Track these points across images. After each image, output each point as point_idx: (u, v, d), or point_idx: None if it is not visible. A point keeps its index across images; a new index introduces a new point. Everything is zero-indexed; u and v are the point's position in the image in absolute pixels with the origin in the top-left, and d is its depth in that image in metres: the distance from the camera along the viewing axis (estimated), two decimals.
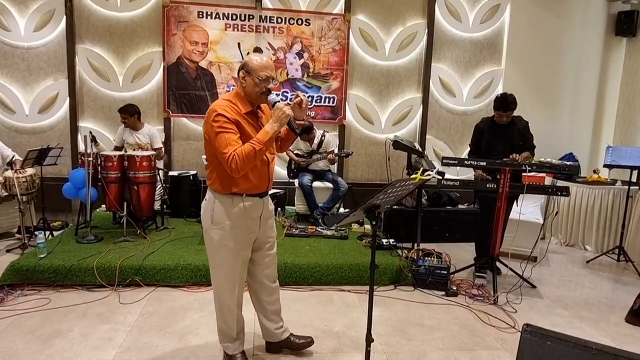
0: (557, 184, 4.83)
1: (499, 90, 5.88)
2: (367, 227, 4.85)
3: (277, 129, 2.08)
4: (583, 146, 6.21)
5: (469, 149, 4.17)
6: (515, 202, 3.96)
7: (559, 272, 4.34)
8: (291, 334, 2.64)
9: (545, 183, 4.99)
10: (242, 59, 5.58)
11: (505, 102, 3.71)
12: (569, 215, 5.16)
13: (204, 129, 2.18)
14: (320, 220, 4.85)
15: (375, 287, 3.61)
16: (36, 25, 5.27)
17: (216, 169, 2.20)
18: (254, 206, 2.27)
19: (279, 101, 2.14)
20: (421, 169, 2.23)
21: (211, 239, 2.27)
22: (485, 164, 3.70)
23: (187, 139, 5.75)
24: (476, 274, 3.94)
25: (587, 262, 4.61)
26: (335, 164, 5.70)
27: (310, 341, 2.65)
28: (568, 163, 3.66)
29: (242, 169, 2.05)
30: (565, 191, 3.59)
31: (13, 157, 4.44)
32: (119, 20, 5.42)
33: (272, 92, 2.18)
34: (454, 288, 3.67)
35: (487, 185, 3.73)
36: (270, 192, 2.41)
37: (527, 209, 4.57)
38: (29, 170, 4.27)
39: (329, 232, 4.51)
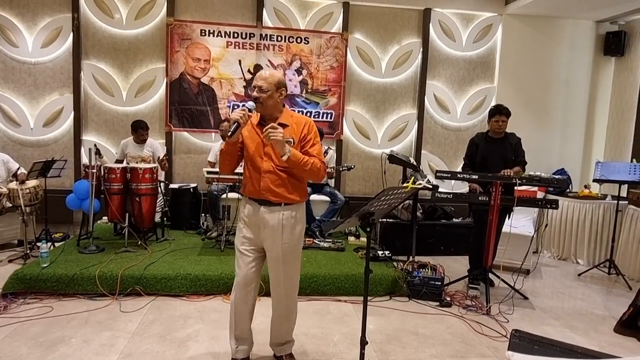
0: (548, 198, 4.94)
1: None
2: (364, 239, 4.94)
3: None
4: (574, 162, 6.35)
5: (463, 162, 4.30)
6: (507, 215, 4.07)
7: (551, 284, 4.43)
8: (285, 356, 2.63)
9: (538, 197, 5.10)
10: (243, 75, 5.76)
11: (501, 107, 3.99)
12: (561, 230, 5.26)
13: None
14: (317, 233, 4.94)
15: (370, 297, 3.72)
16: (44, 41, 5.45)
17: None
18: (250, 210, 2.43)
19: (242, 108, 2.32)
20: (412, 178, 2.35)
21: None
22: (477, 177, 3.82)
23: (188, 153, 5.88)
24: (470, 285, 4.02)
25: (579, 275, 4.70)
26: (333, 178, 5.82)
27: None
28: (557, 177, 3.78)
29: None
30: (554, 204, 3.70)
31: (18, 170, 4.55)
32: (124, 38, 5.60)
33: (255, 102, 2.34)
34: (448, 299, 3.75)
35: (480, 198, 3.84)
36: None
37: (519, 222, 4.68)
38: (33, 182, 4.37)
39: (326, 244, 4.60)
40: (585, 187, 5.37)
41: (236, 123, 2.23)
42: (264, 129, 2.21)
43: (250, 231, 2.43)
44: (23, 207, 4.15)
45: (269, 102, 2.33)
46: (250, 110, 2.30)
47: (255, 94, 2.32)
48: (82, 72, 5.56)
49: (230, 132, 2.23)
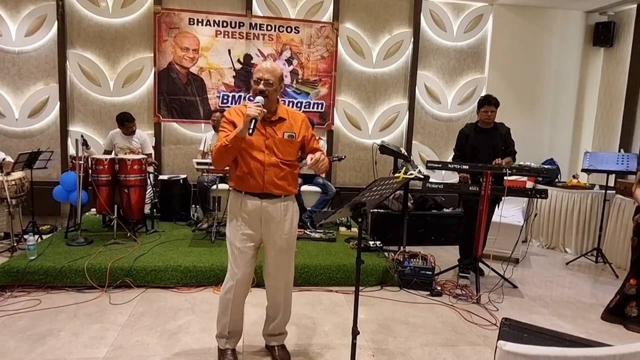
0: (537, 188, 4.98)
1: None
2: (355, 230, 4.95)
3: (242, 127, 2.19)
4: (563, 152, 6.40)
5: (453, 153, 4.31)
6: (497, 205, 4.10)
7: (540, 273, 4.48)
8: (277, 347, 2.64)
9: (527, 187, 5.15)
10: (232, 65, 5.69)
11: (489, 97, 3.98)
12: (549, 219, 5.32)
13: None
14: (308, 223, 4.94)
15: (362, 287, 3.73)
16: (28, 30, 5.31)
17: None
18: (250, 205, 2.36)
19: (255, 103, 2.21)
20: (403, 169, 2.34)
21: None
22: (467, 167, 3.83)
23: (177, 144, 5.81)
24: (460, 274, 4.06)
25: (567, 263, 4.76)
26: None
27: None
28: (546, 167, 3.81)
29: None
30: (543, 194, 3.73)
31: (4, 159, 4.46)
32: (111, 26, 5.49)
33: (261, 95, 2.25)
34: (439, 288, 3.78)
35: (470, 188, 3.86)
36: None
37: (509, 212, 4.72)
38: (18, 174, 4.29)
39: (317, 235, 4.59)
40: (574, 177, 5.43)
41: (254, 119, 2.16)
42: (310, 162, 2.23)
43: (251, 227, 2.38)
44: (9, 199, 4.07)
45: (274, 95, 2.33)
46: (263, 106, 2.26)
47: (261, 87, 2.27)
48: (67, 61, 5.44)
49: (250, 129, 2.17)
